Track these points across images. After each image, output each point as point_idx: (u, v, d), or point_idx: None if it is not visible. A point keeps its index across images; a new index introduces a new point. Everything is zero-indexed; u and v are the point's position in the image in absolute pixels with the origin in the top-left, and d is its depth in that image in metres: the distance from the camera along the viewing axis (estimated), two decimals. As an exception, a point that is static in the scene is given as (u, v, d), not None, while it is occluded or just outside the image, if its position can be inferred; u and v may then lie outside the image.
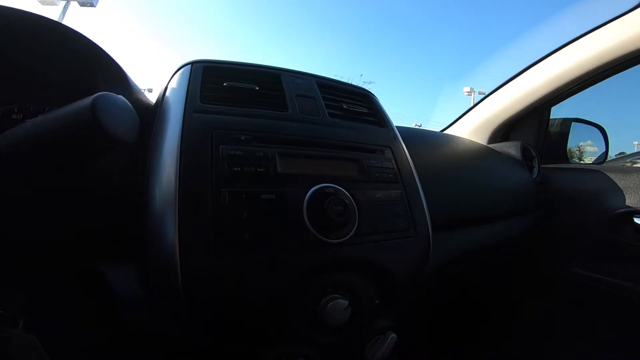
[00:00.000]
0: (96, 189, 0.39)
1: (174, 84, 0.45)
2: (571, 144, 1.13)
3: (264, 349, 0.38)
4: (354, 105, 0.55)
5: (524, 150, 0.89)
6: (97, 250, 0.39)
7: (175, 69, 0.48)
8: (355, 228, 0.41)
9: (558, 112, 1.17)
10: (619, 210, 0.81)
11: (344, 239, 0.40)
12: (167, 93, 0.45)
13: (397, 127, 0.58)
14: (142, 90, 0.53)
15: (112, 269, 0.38)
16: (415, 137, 0.69)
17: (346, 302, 0.40)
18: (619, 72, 0.92)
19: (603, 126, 1.18)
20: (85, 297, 0.40)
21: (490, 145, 0.99)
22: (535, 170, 0.88)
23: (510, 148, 0.89)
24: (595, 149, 1.34)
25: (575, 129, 1.18)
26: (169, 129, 0.40)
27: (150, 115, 0.45)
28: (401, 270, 0.44)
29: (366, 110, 0.56)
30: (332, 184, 0.41)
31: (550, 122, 1.12)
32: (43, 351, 0.34)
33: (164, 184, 0.36)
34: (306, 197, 0.39)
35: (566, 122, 1.13)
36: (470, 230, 0.64)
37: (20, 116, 0.44)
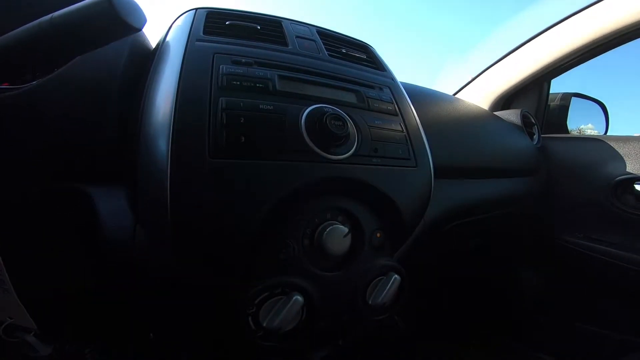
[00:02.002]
0: (93, 111, 0.38)
1: (176, 24, 0.46)
2: (571, 119, 1.13)
3: (255, 279, 0.36)
4: (353, 51, 0.55)
5: (523, 117, 0.88)
6: (84, 173, 0.38)
7: (178, 15, 0.48)
8: (355, 148, 0.40)
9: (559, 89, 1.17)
10: (620, 178, 0.80)
11: (343, 156, 0.39)
12: (170, 31, 0.45)
13: (401, 82, 0.58)
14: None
15: (98, 190, 0.37)
16: (419, 93, 0.69)
17: (346, 229, 0.39)
18: (618, 45, 0.92)
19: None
20: (68, 221, 0.38)
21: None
22: (536, 137, 0.88)
23: (511, 115, 0.89)
24: (596, 132, 1.35)
25: (575, 106, 1.18)
26: (172, 53, 0.40)
27: (152, 52, 0.45)
28: (403, 201, 0.43)
29: (365, 57, 0.56)
30: (331, 105, 0.41)
31: (551, 96, 1.12)
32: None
33: (163, 98, 0.36)
34: (305, 112, 0.39)
35: (566, 97, 1.12)
36: (470, 181, 0.64)
37: None
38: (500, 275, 1.05)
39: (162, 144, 0.33)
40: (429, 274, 1.04)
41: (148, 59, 0.44)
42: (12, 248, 0.37)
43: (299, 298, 0.36)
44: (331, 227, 0.38)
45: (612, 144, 0.86)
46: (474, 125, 0.74)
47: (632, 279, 0.78)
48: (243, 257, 0.36)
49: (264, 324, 0.36)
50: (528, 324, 1.01)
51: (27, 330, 0.44)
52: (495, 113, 0.95)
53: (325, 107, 0.40)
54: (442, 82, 1.19)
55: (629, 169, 0.81)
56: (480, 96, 1.04)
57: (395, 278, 0.42)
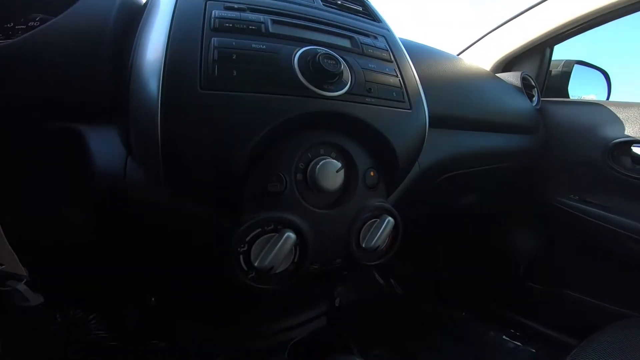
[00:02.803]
0: (86, 58, 0.37)
1: None
2: (572, 86, 1.11)
3: (247, 213, 0.36)
4: (349, 3, 0.53)
5: (523, 79, 0.87)
6: (77, 115, 0.37)
7: None
8: (348, 86, 0.40)
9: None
10: (618, 140, 0.80)
11: (337, 93, 0.39)
12: None
13: (400, 38, 0.57)
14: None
15: (90, 129, 0.36)
16: (419, 48, 0.67)
17: (339, 164, 0.39)
18: (622, 16, 0.89)
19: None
20: (60, 160, 0.38)
21: (491, 75, 0.97)
22: (535, 99, 0.87)
23: (510, 77, 0.87)
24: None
25: (578, 73, 1.16)
26: (163, 1, 0.39)
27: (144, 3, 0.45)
28: (397, 141, 0.43)
29: (360, 9, 0.54)
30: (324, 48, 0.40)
31: (554, 63, 1.09)
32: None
33: (155, 41, 0.35)
34: (298, 52, 0.38)
35: (569, 64, 1.10)
36: (467, 133, 0.64)
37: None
38: (493, 239, 1.06)
39: (154, 79, 0.33)
40: (423, 230, 1.06)
41: (139, 9, 0.43)
42: (2, 189, 0.37)
43: (291, 235, 0.36)
44: (324, 161, 0.38)
45: (612, 108, 0.85)
46: (473, 81, 0.73)
47: (622, 244, 0.79)
48: (234, 186, 0.36)
49: (256, 264, 0.36)
50: (519, 290, 1.04)
51: (18, 278, 0.45)
52: (495, 74, 0.93)
53: (319, 48, 0.39)
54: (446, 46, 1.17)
55: (627, 132, 0.80)
56: (483, 58, 1.02)
57: (389, 220, 0.42)
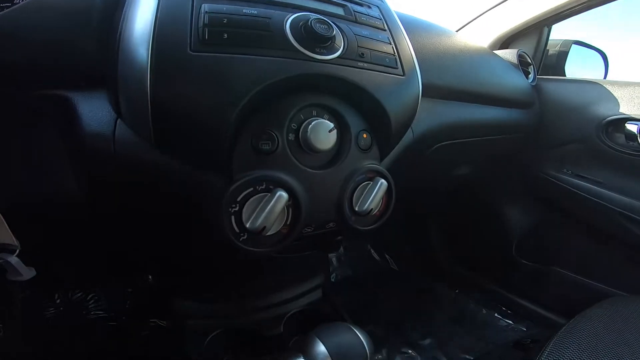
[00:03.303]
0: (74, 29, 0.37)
1: None
2: (569, 66, 1.11)
3: (238, 172, 0.36)
4: None
5: (519, 57, 0.87)
6: (65, 83, 0.37)
7: None
8: (341, 51, 0.39)
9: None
10: (612, 117, 0.80)
11: (329, 57, 0.39)
12: None
13: (396, 12, 0.56)
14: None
15: (79, 94, 0.36)
16: (415, 22, 0.67)
17: (331, 125, 0.39)
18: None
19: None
20: (48, 126, 0.38)
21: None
22: (531, 75, 0.87)
23: (507, 54, 0.87)
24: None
25: (575, 53, 1.15)
26: None
27: None
28: (389, 104, 0.43)
29: None
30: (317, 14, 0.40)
31: (552, 43, 1.09)
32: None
33: (144, 9, 0.35)
34: (290, 17, 0.38)
35: (566, 43, 1.10)
36: (461, 104, 0.64)
37: None
38: (487, 215, 1.07)
39: (143, 44, 0.33)
40: (418, 201, 1.07)
41: None
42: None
43: (284, 194, 0.36)
44: (316, 121, 0.38)
45: (607, 87, 0.85)
46: (469, 55, 0.72)
47: (612, 219, 0.80)
48: (224, 146, 0.36)
49: (248, 225, 0.36)
50: (510, 267, 1.06)
51: (9, 250, 0.45)
52: (492, 51, 0.93)
53: (311, 14, 0.39)
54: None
55: (622, 110, 0.80)
56: (480, 36, 1.02)
57: (382, 183, 0.43)
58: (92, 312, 0.99)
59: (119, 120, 0.36)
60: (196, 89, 0.34)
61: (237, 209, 0.36)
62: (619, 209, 0.78)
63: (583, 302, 0.61)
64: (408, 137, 0.53)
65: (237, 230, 0.37)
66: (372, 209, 0.43)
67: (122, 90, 0.35)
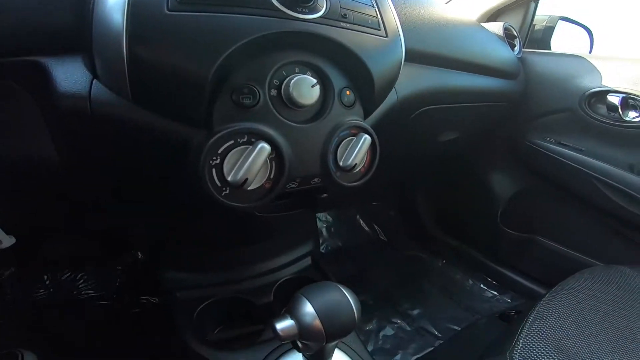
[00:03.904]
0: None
1: None
2: (555, 41, 1.12)
3: (218, 125, 0.36)
4: None
5: (505, 30, 0.87)
6: (39, 50, 0.36)
7: None
8: (323, 11, 0.39)
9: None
10: (594, 89, 0.82)
11: (311, 16, 0.38)
12: None
13: None
14: None
15: (54, 59, 0.35)
16: None
17: (314, 80, 0.39)
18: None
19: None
20: (22, 91, 0.37)
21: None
22: (517, 48, 0.87)
23: (493, 26, 0.88)
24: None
25: (561, 29, 1.16)
26: None
27: None
28: (372, 63, 0.43)
29: None
30: None
31: (538, 18, 1.09)
32: None
33: None
34: None
35: (553, 19, 1.10)
36: (447, 70, 0.64)
37: None
38: (472, 183, 1.10)
39: (118, 6, 0.32)
40: (405, 167, 1.08)
41: None
42: None
43: (266, 146, 0.36)
44: (299, 76, 0.38)
45: (592, 61, 0.86)
46: (456, 24, 0.72)
47: (592, 186, 0.83)
48: (203, 100, 0.35)
49: (229, 178, 0.36)
50: (495, 236, 1.09)
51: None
52: (480, 23, 0.93)
53: None
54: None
55: (604, 83, 0.82)
56: (468, 8, 1.02)
57: (366, 138, 0.43)
58: (82, 292, 0.99)
59: (94, 81, 0.35)
60: (174, 48, 0.33)
61: (218, 161, 0.36)
62: (598, 175, 0.81)
63: (564, 272, 0.63)
64: (392, 98, 0.53)
65: (218, 183, 0.36)
66: (356, 163, 0.43)
67: (98, 53, 0.34)
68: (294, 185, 0.42)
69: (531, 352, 0.46)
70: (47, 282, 0.98)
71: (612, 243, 0.90)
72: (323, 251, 1.28)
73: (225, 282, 0.64)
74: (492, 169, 1.04)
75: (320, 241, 1.29)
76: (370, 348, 0.96)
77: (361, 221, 1.41)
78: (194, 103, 0.36)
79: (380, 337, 0.98)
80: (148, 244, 0.66)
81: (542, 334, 0.48)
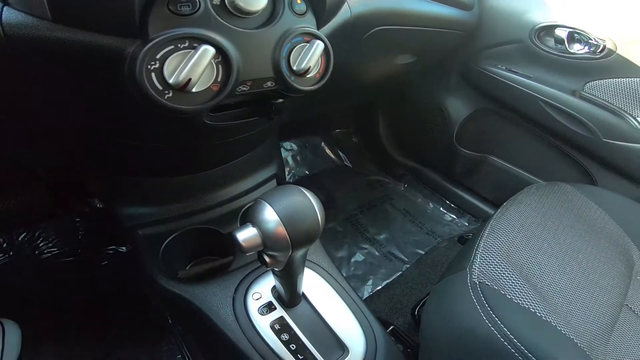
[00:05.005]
0: None
1: None
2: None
3: (155, 33, 0.34)
4: None
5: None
6: None
7: None
8: None
9: None
10: (544, 23, 0.86)
11: None
12: None
13: None
14: None
15: None
16: None
17: None
18: None
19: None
20: None
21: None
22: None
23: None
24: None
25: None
26: None
27: None
28: None
29: None
30: None
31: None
32: None
33: None
34: None
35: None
36: None
37: None
38: (428, 106, 1.16)
39: None
40: (363, 91, 1.11)
41: None
42: None
43: (209, 48, 0.34)
44: None
45: None
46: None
47: (539, 108, 0.90)
48: (134, 10, 0.33)
49: (170, 80, 0.34)
50: (451, 156, 1.16)
51: None
52: None
53: None
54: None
55: (553, 18, 0.87)
56: None
57: (319, 43, 0.42)
58: (45, 251, 0.94)
59: (5, 8, 0.31)
60: None
61: (157, 66, 0.34)
62: (543, 97, 0.89)
63: (513, 190, 0.67)
64: (346, 14, 0.52)
65: (159, 87, 0.35)
66: (310, 67, 0.42)
67: None
68: (245, 89, 0.41)
69: (488, 266, 0.49)
70: (4, 245, 0.92)
71: (555, 162, 0.98)
72: (290, 180, 1.30)
73: (189, 213, 0.62)
74: (447, 93, 1.10)
75: (287, 170, 1.32)
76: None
77: (326, 148, 1.44)
78: (124, 16, 0.33)
79: (352, 264, 1.05)
80: (102, 183, 0.62)
81: (496, 247, 0.51)
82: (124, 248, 0.94)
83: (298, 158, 1.38)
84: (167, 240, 0.60)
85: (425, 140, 1.25)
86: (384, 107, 1.32)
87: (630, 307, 0.54)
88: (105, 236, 0.94)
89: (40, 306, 0.83)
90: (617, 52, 0.78)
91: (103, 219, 0.91)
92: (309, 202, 0.38)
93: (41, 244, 0.95)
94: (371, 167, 1.42)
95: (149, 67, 0.34)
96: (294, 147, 1.40)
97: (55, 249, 0.95)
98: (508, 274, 0.48)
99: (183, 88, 0.35)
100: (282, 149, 1.38)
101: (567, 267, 0.53)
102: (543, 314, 0.45)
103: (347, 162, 1.44)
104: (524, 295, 0.46)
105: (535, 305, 0.45)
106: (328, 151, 1.45)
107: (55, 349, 0.76)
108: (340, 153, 1.45)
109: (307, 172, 1.36)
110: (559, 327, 0.44)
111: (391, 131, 1.36)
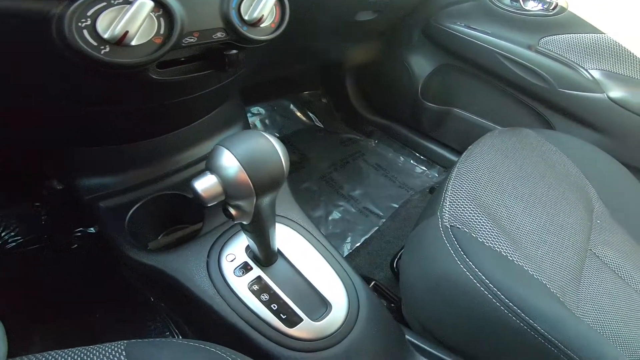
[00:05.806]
0: None
1: None
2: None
3: None
4: None
5: None
6: None
7: None
8: None
9: None
10: None
11: None
12: None
13: None
14: None
15: None
16: None
17: None
18: None
19: None
20: None
21: None
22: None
23: None
24: None
25: None
26: None
27: None
28: None
29: None
30: None
31: None
32: None
33: None
34: None
35: None
36: None
37: None
38: (393, 63, 1.18)
39: None
40: (327, 50, 1.10)
41: None
42: None
43: (146, 1, 0.31)
44: None
45: None
46: None
47: (496, 60, 0.95)
48: None
49: (106, 36, 0.32)
50: (417, 110, 1.20)
51: None
52: None
53: None
54: None
55: None
56: None
57: None
58: (8, 241, 0.89)
59: None
60: None
61: (88, 23, 0.31)
62: (500, 51, 0.93)
63: (478, 138, 0.69)
64: None
65: (94, 42, 0.32)
66: (263, 16, 0.40)
67: None
68: (192, 40, 0.38)
69: (457, 208, 0.49)
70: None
71: (515, 111, 1.03)
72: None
73: (152, 180, 0.58)
74: (410, 51, 1.14)
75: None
76: (322, 235, 1.05)
77: (296, 110, 1.43)
78: None
79: (330, 222, 1.08)
80: (55, 158, 0.57)
81: (464, 189, 0.52)
82: (92, 229, 0.91)
83: (267, 121, 1.36)
84: (131, 211, 0.57)
85: (392, 97, 1.27)
86: (351, 67, 1.32)
87: (595, 253, 0.54)
88: (71, 218, 0.90)
89: (16, 299, 0.79)
90: (569, 9, 0.84)
91: (65, 200, 0.86)
92: (271, 145, 0.35)
93: (3, 234, 0.90)
94: (342, 126, 1.42)
95: (80, 24, 0.31)
96: (262, 110, 1.37)
97: (19, 237, 0.90)
98: (477, 216, 0.49)
99: (120, 41, 0.32)
100: (249, 114, 1.34)
101: (533, 209, 0.54)
102: (515, 257, 0.45)
103: (318, 123, 1.43)
104: (495, 239, 0.47)
105: (506, 249, 0.46)
106: (298, 113, 1.43)
107: (42, 342, 0.73)
108: (310, 114, 1.44)
109: (277, 134, 1.34)
110: (531, 271, 0.45)
111: (359, 90, 1.37)
